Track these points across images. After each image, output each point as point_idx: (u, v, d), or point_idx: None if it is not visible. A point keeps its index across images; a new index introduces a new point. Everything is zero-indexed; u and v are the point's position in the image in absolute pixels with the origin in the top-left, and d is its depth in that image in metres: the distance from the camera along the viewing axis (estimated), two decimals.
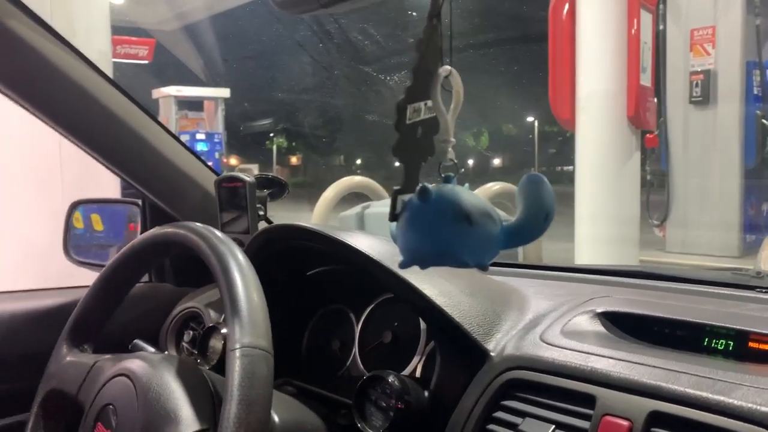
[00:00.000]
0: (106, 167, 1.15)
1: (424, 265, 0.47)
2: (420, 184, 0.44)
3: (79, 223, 1.57)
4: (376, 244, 0.90)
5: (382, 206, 4.18)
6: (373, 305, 1.06)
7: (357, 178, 4.78)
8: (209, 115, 12.16)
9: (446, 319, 0.81)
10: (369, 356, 1.04)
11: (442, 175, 0.46)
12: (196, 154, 1.23)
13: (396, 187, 0.45)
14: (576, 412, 0.69)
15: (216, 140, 11.89)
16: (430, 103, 0.46)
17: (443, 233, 0.43)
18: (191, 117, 11.98)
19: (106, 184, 3.18)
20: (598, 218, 4.52)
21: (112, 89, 1.07)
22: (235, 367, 0.63)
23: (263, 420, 0.62)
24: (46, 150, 2.98)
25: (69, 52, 1.00)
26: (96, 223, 1.63)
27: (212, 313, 1.17)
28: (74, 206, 1.48)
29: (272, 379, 0.65)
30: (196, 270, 1.36)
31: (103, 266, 1.41)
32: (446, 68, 0.46)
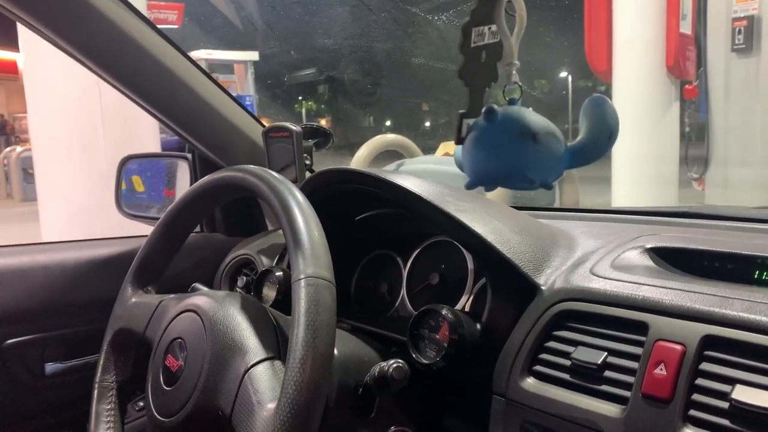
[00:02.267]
0: (160, 120, 1.19)
1: (490, 185, 0.48)
2: (486, 105, 0.45)
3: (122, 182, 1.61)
4: (426, 185, 0.91)
5: (416, 164, 4.18)
6: (419, 249, 1.09)
7: (390, 137, 4.77)
8: (240, 78, 12.18)
9: (497, 255, 0.82)
10: (417, 297, 1.07)
11: (507, 98, 0.47)
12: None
13: (461, 111, 0.46)
14: (628, 339, 0.71)
15: (247, 102, 11.94)
16: (494, 27, 0.47)
17: (509, 151, 0.45)
18: (222, 80, 12.02)
19: (147, 144, 3.26)
20: (637, 180, 4.45)
21: (166, 45, 1.09)
22: (301, 295, 0.66)
23: (329, 344, 0.65)
24: (87, 112, 3.04)
25: (127, 10, 1.02)
26: (137, 184, 1.68)
27: (264, 259, 1.21)
28: (125, 161, 1.52)
29: (335, 308, 0.68)
30: (245, 220, 1.41)
31: (152, 219, 1.46)
32: None
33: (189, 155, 1.38)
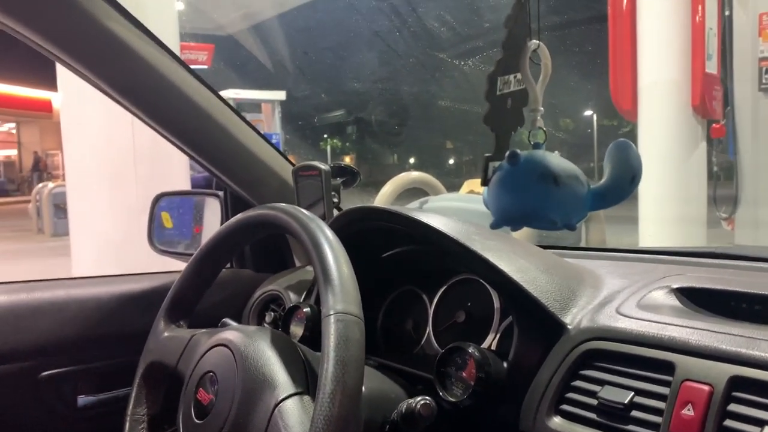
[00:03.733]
0: (193, 158, 1.23)
1: (513, 225, 0.50)
2: (510, 150, 0.47)
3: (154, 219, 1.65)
4: (452, 223, 0.93)
5: (440, 201, 4.21)
6: (445, 287, 1.10)
7: (414, 174, 4.80)
8: (267, 117, 12.43)
9: (524, 294, 0.83)
10: (442, 335, 1.07)
11: (531, 142, 0.49)
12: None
13: (487, 155, 0.48)
14: (655, 378, 0.71)
15: (274, 140, 12.12)
16: (519, 75, 0.50)
17: (531, 193, 0.47)
18: (250, 119, 12.26)
19: (177, 181, 3.34)
20: (664, 221, 4.40)
21: (199, 85, 1.14)
22: (331, 331, 0.68)
23: (358, 379, 0.67)
24: (120, 150, 3.14)
25: (163, 52, 1.07)
26: (166, 221, 1.72)
27: (292, 295, 1.23)
28: (158, 198, 1.57)
29: (364, 344, 0.69)
30: (274, 257, 1.44)
31: (184, 255, 1.50)
32: (534, 42, 0.49)
33: (220, 193, 1.42)
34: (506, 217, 0.49)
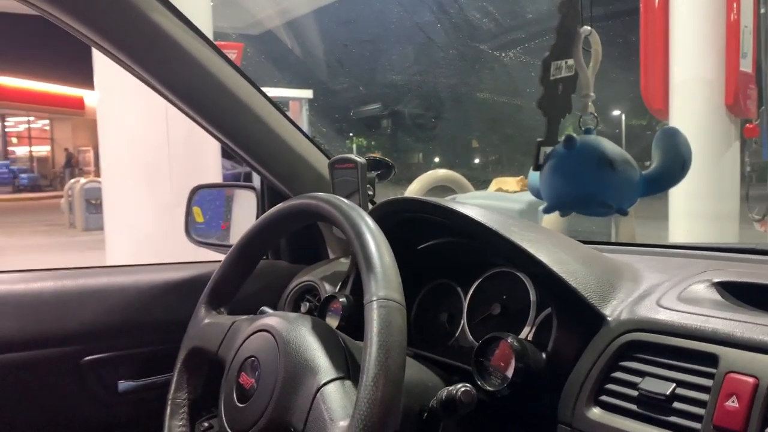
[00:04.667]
0: (233, 151, 1.25)
1: (567, 209, 0.50)
2: (565, 134, 0.47)
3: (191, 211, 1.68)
4: (491, 214, 0.93)
5: (468, 199, 4.20)
6: (480, 279, 1.10)
7: (442, 172, 4.80)
8: (294, 115, 12.51)
9: (563, 285, 0.83)
10: (477, 328, 1.08)
11: (582, 128, 0.50)
12: (310, 138, 1.31)
13: (539, 140, 0.49)
14: (698, 370, 0.71)
15: None
16: (570, 62, 0.50)
17: (587, 177, 0.47)
18: None
19: (210, 176, 3.39)
20: (695, 216, 4.34)
21: (241, 79, 1.16)
22: (374, 317, 0.69)
23: (400, 365, 0.68)
24: (155, 146, 3.20)
25: (207, 46, 1.10)
26: (197, 215, 1.75)
27: (327, 286, 1.24)
28: (195, 190, 1.59)
29: (406, 330, 0.70)
30: (308, 248, 1.46)
31: (221, 246, 1.52)
32: (586, 28, 0.49)
33: (257, 186, 1.44)
34: (560, 202, 0.50)
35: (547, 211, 0.49)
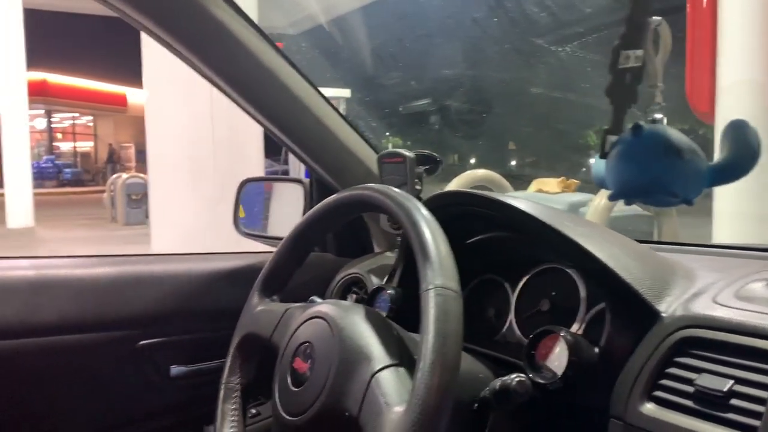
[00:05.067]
0: (286, 145, 1.28)
1: (633, 197, 0.51)
2: (634, 123, 0.48)
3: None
4: (543, 209, 0.94)
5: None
6: (528, 276, 1.10)
7: (481, 172, 4.78)
8: None
9: (617, 280, 0.83)
10: (525, 324, 1.08)
11: (649, 118, 0.50)
12: (359, 133, 1.33)
13: (605, 128, 0.49)
14: (757, 368, 0.70)
15: None
16: (639, 52, 0.51)
17: (655, 165, 0.47)
18: None
19: (252, 172, 3.44)
20: (741, 217, 4.22)
21: (294, 73, 1.18)
22: (431, 305, 0.70)
23: (457, 352, 0.69)
24: (200, 142, 3.28)
25: (263, 40, 1.12)
26: (240, 211, 1.78)
27: (374, 278, 1.26)
28: (243, 184, 1.63)
29: (462, 318, 0.71)
30: (354, 242, 1.47)
31: (269, 238, 1.55)
32: (656, 19, 0.50)
33: (305, 180, 1.46)
34: (627, 189, 0.50)
35: (612, 198, 0.49)
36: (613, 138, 0.50)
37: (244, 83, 1.16)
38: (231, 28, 1.07)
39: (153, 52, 3.37)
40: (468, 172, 4.86)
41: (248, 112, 1.22)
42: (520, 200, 0.98)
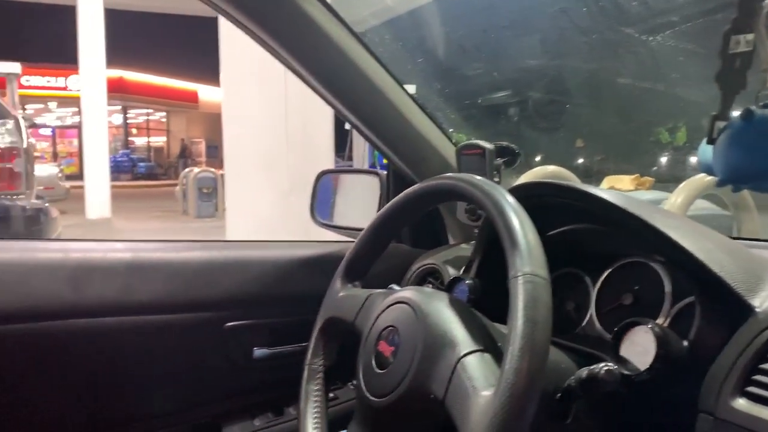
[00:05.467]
0: (365, 136, 1.30)
1: (742, 183, 0.50)
2: (744, 108, 0.47)
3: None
4: (630, 200, 0.93)
5: None
6: (610, 270, 1.09)
7: (551, 168, 4.69)
8: None
9: (709, 274, 0.82)
10: (606, 318, 1.07)
11: (760, 103, 0.49)
12: (438, 124, 1.34)
13: (713, 113, 0.49)
14: None
15: None
16: (749, 37, 0.50)
17: (766, 150, 0.47)
18: None
19: (323, 165, 3.51)
20: None
21: (376, 64, 1.21)
22: (520, 291, 0.70)
23: (546, 339, 0.69)
24: (274, 137, 3.38)
25: (347, 32, 1.15)
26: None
27: (450, 269, 1.27)
28: (321, 175, 1.67)
29: (551, 305, 0.71)
30: (429, 234, 1.49)
31: (347, 229, 1.58)
32: None
33: (381, 172, 1.49)
34: (737, 175, 0.49)
35: (719, 184, 0.49)
36: (721, 124, 0.50)
37: (330, 75, 1.19)
38: (318, 21, 1.10)
39: (230, 51, 3.49)
40: (538, 168, 4.78)
41: (329, 102, 1.25)
42: (606, 191, 0.97)
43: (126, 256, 1.17)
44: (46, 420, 1.09)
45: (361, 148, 9.14)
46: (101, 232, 10.48)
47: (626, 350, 0.85)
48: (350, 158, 9.69)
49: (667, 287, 0.97)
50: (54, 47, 20.46)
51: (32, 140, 4.84)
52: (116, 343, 1.14)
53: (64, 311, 1.08)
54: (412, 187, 0.97)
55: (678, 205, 3.48)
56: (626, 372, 0.83)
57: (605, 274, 1.09)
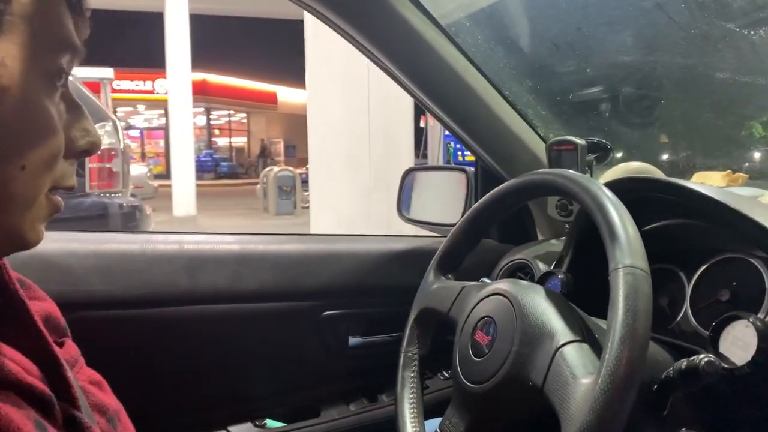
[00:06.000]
0: (454, 132, 1.34)
1: None
2: None
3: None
4: (731, 196, 0.92)
5: None
6: (706, 265, 1.08)
7: (635, 164, 4.53)
8: None
9: None
10: (702, 314, 1.06)
11: None
12: (528, 120, 1.36)
13: None
14: None
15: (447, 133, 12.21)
16: None
17: None
18: None
19: (404, 163, 3.58)
20: None
21: (467, 62, 1.24)
22: (620, 283, 0.72)
23: (647, 329, 0.70)
24: (357, 135, 3.47)
25: (434, 27, 1.19)
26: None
27: (540, 264, 1.29)
28: (408, 173, 1.71)
29: (652, 297, 0.73)
30: (517, 229, 1.51)
31: (434, 225, 1.62)
32: None
33: (469, 168, 1.52)
34: None
35: None
36: None
37: (418, 71, 1.23)
38: (409, 19, 1.14)
39: (315, 52, 3.60)
40: (622, 164, 4.64)
41: (419, 100, 1.29)
42: (702, 186, 0.97)
43: (234, 247, 1.26)
44: (159, 398, 1.19)
45: (435, 146, 9.17)
46: (188, 228, 10.95)
47: (725, 345, 0.85)
48: (425, 156, 9.73)
49: None
50: (142, 52, 21.54)
51: (127, 141, 5.14)
52: (225, 328, 1.23)
53: (180, 298, 1.18)
54: (509, 181, 0.99)
55: None
56: (726, 365, 0.83)
57: (701, 269, 1.08)
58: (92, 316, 1.10)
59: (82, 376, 0.71)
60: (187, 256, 1.20)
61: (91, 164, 4.27)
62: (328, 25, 1.17)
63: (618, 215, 0.79)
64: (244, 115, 32.15)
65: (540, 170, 0.95)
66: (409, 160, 3.65)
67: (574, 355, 0.77)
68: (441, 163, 9.07)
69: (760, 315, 0.95)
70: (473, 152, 1.40)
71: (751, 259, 0.99)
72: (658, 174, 4.83)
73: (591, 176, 1.29)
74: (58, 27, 0.53)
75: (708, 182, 4.50)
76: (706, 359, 0.77)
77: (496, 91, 1.31)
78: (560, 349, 0.78)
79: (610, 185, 1.08)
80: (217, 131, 32.73)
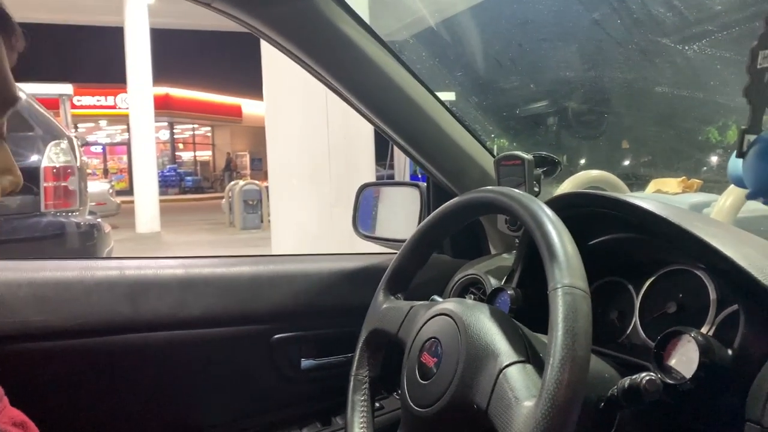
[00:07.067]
0: (402, 149, 1.33)
1: None
2: None
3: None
4: (671, 209, 0.93)
5: None
6: (654, 277, 1.08)
7: (595, 173, 4.62)
8: None
9: (752, 281, 0.81)
10: (650, 326, 1.06)
11: None
12: (476, 135, 1.36)
13: (743, 127, 0.50)
14: None
15: None
16: None
17: None
18: None
19: (364, 177, 3.56)
20: None
21: (411, 78, 1.23)
22: (559, 303, 0.72)
23: (587, 350, 0.70)
24: (317, 150, 3.45)
25: (378, 45, 1.18)
26: None
27: (492, 280, 1.28)
28: (362, 188, 1.70)
29: (591, 317, 0.72)
30: (470, 244, 1.50)
31: (388, 241, 1.60)
32: None
33: (421, 184, 1.51)
34: (766, 188, 0.50)
35: (750, 197, 0.49)
36: (751, 137, 0.51)
37: (364, 89, 1.22)
38: (352, 37, 1.13)
39: (272, 66, 3.58)
40: (582, 172, 4.71)
41: (367, 118, 1.28)
42: (645, 200, 0.97)
43: (178, 272, 1.22)
44: (100, 430, 1.15)
45: (402, 157, 9.20)
46: (151, 245, 10.77)
47: (670, 359, 0.85)
48: (391, 167, 9.75)
49: (713, 294, 0.97)
50: (103, 67, 21.23)
51: (85, 158, 5.02)
52: (170, 356, 1.19)
53: (121, 326, 1.14)
54: (452, 200, 0.99)
55: (727, 207, 3.39)
56: (670, 381, 0.83)
57: (648, 282, 1.08)
58: (27, 349, 1.05)
59: (4, 418, 0.68)
60: (128, 282, 1.16)
61: (46, 183, 4.16)
62: (271, 44, 1.15)
63: (557, 234, 0.78)
64: (209, 128, 31.88)
65: (483, 188, 0.94)
66: (370, 173, 3.64)
67: (517, 377, 0.76)
68: (408, 174, 9.08)
69: (705, 327, 0.96)
70: (423, 168, 1.39)
71: (696, 271, 0.99)
72: (617, 181, 4.90)
73: (539, 190, 1.29)
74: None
75: (665, 189, 4.60)
76: (647, 378, 0.77)
77: (443, 107, 1.30)
78: (503, 371, 0.77)
79: (554, 202, 1.08)
80: (181, 145, 32.38)
